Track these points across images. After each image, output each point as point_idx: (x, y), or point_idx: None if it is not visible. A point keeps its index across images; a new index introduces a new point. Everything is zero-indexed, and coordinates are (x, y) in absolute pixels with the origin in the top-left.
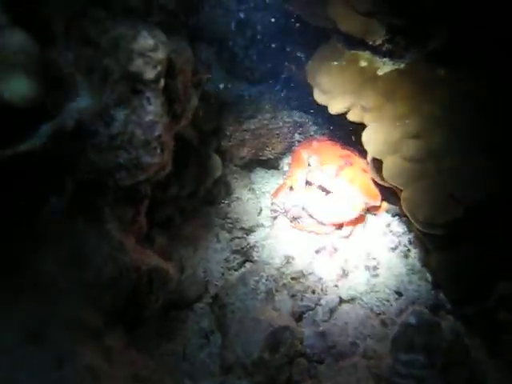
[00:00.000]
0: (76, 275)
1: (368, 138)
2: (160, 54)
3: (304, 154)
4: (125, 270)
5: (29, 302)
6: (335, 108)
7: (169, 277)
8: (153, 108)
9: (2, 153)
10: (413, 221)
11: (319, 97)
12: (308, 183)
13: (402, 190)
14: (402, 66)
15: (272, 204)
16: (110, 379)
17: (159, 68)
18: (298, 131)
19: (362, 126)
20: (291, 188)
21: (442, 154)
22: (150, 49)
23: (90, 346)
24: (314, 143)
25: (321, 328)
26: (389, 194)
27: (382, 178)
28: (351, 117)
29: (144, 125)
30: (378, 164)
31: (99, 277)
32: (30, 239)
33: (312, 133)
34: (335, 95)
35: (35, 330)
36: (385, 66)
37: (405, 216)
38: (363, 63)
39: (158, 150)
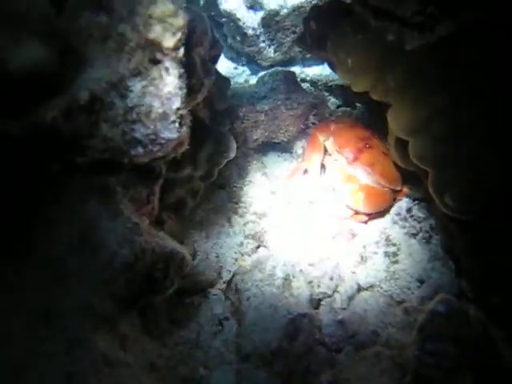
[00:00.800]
0: (89, 259)
1: (394, 116)
2: (180, 20)
3: (320, 136)
4: (140, 253)
5: (39, 288)
6: (359, 85)
7: (185, 262)
8: (172, 79)
9: (9, 126)
10: (440, 205)
11: (342, 74)
12: (324, 167)
13: (427, 173)
14: (433, 39)
15: (286, 188)
16: (126, 368)
17: (179, 35)
18: (313, 113)
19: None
20: (306, 171)
21: (475, 134)
22: (169, 14)
23: (104, 333)
24: (332, 125)
25: (340, 316)
26: (410, 177)
27: (406, 161)
28: (375, 95)
29: (162, 97)
30: (402, 145)
31: (113, 260)
32: (39, 221)
33: (327, 115)
34: (359, 71)
35: (46, 316)
36: (414, 41)
37: (426, 201)
38: (390, 37)
39: (177, 125)
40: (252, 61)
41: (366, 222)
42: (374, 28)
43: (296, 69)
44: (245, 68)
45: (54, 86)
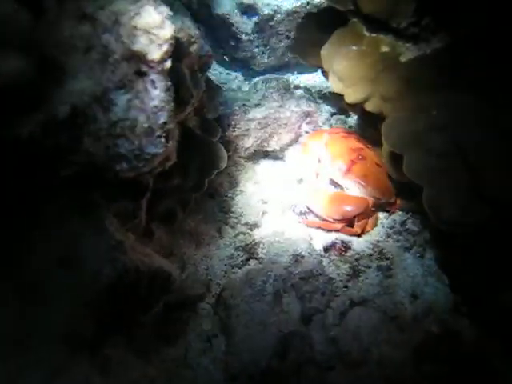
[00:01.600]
0: (70, 278)
1: (388, 130)
2: (166, 32)
3: (313, 146)
4: (124, 272)
5: (15, 310)
6: (352, 97)
7: (171, 280)
8: (158, 92)
9: None
10: (435, 220)
11: (335, 84)
12: (317, 178)
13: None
14: (428, 51)
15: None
16: None
17: (165, 47)
18: (307, 121)
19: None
20: (300, 181)
21: (470, 149)
22: (155, 25)
23: (85, 358)
24: (325, 134)
25: (331, 333)
26: (405, 189)
27: (400, 174)
28: (369, 107)
29: (148, 111)
30: (396, 158)
31: (96, 280)
32: (17, 239)
33: (321, 124)
34: (353, 83)
35: (21, 343)
36: (408, 52)
37: (421, 214)
38: (385, 48)
39: (163, 139)
40: (245, 66)
41: (359, 236)
42: (368, 39)
43: (289, 75)
44: (237, 74)
45: (33, 100)
